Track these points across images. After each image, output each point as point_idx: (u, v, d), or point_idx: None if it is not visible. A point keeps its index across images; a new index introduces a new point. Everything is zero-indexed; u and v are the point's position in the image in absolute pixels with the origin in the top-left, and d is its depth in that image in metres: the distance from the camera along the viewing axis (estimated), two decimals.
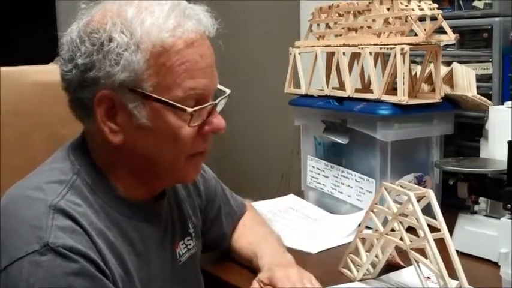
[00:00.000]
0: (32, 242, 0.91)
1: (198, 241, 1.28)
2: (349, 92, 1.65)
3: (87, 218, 0.98)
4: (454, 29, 1.54)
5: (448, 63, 1.69)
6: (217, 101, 1.06)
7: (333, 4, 1.78)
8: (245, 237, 1.39)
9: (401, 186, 1.21)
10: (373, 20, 1.64)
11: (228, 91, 1.10)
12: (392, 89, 1.63)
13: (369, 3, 1.65)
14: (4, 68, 1.54)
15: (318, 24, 1.84)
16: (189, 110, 1.00)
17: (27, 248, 0.91)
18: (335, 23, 1.77)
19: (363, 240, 1.29)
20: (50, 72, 1.59)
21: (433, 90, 1.62)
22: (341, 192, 1.73)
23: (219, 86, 1.09)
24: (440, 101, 1.60)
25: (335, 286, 1.25)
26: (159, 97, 0.99)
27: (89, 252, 0.94)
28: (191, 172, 1.10)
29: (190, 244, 1.23)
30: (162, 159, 1.04)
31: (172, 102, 0.99)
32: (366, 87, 1.76)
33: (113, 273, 0.98)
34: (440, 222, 1.12)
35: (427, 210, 1.15)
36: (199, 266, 1.28)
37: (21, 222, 0.95)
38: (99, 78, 0.99)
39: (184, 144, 1.03)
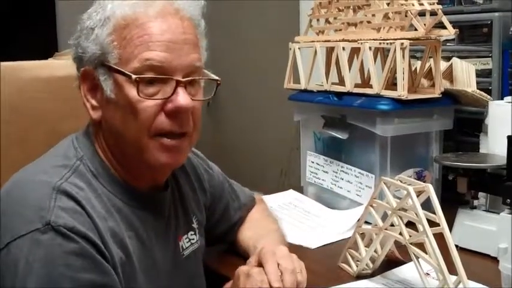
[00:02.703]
0: (34, 221, 0.93)
1: (202, 237, 1.29)
2: (348, 87, 1.65)
3: (89, 201, 1.00)
4: (454, 24, 1.54)
5: (448, 58, 1.69)
6: (183, 79, 1.04)
7: None
8: (251, 229, 1.40)
9: (400, 181, 1.21)
10: (373, 15, 1.64)
11: (215, 77, 1.11)
12: (392, 84, 1.63)
13: None
14: (3, 63, 1.53)
15: (318, 20, 1.84)
16: (133, 76, 1.01)
17: (29, 226, 0.93)
18: (335, 18, 1.77)
19: (362, 235, 1.30)
20: (49, 67, 1.60)
21: (433, 85, 1.62)
22: (340, 188, 1.73)
23: (210, 75, 1.11)
24: (440, 96, 1.60)
25: (335, 286, 1.25)
26: (116, 67, 1.03)
27: (90, 234, 0.95)
28: (158, 154, 1.05)
29: (193, 239, 1.24)
30: (127, 134, 1.05)
31: (121, 69, 1.02)
32: (366, 82, 1.76)
33: (113, 255, 0.99)
34: (440, 216, 1.12)
35: (427, 205, 1.15)
36: (201, 261, 1.28)
37: (25, 203, 0.97)
38: (82, 56, 1.05)
39: (145, 119, 1.03)
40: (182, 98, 1.03)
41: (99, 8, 1.06)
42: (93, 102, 1.07)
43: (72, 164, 1.04)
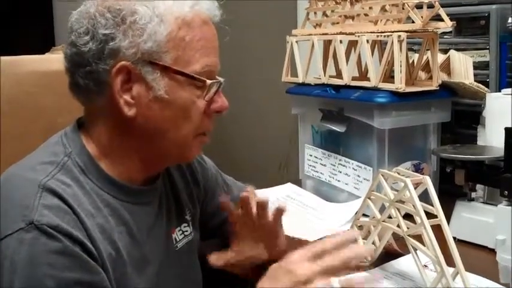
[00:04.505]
0: (19, 220, 0.93)
1: (196, 229, 1.29)
2: (346, 80, 1.65)
3: (76, 198, 0.99)
4: (451, 17, 1.53)
5: (445, 51, 1.69)
6: (222, 80, 1.09)
7: None
8: None
9: (398, 173, 1.22)
10: (370, 8, 1.64)
11: (222, 80, 1.12)
12: (389, 76, 1.63)
13: None
14: (1, 58, 1.53)
15: (315, 13, 1.84)
16: (208, 81, 1.05)
17: (14, 225, 0.93)
18: (332, 11, 1.77)
19: (360, 227, 1.30)
20: (46, 62, 1.60)
21: (430, 77, 1.62)
22: (338, 181, 1.73)
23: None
24: (438, 88, 1.60)
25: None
26: (180, 69, 1.03)
27: (75, 232, 0.95)
28: (195, 151, 1.13)
29: (187, 231, 1.24)
30: (173, 133, 1.06)
31: (193, 75, 1.04)
32: (363, 75, 1.76)
33: (101, 252, 0.99)
34: (437, 208, 1.12)
35: (425, 198, 1.15)
36: (196, 253, 1.28)
37: (11, 201, 0.97)
38: (120, 49, 1.01)
39: (195, 120, 1.07)
40: (223, 99, 1.10)
41: (144, 2, 1.02)
42: (128, 98, 1.03)
43: (59, 160, 1.03)
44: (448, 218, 1.32)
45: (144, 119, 1.05)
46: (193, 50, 1.04)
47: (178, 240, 1.21)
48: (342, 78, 1.67)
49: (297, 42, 1.81)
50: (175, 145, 1.08)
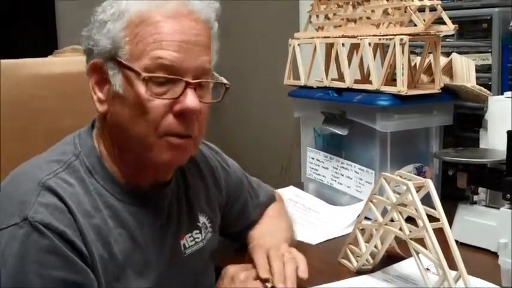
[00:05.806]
0: (15, 215, 0.95)
1: (215, 235, 1.27)
2: (348, 83, 1.65)
3: (75, 197, 1.00)
4: (453, 20, 1.53)
5: (448, 54, 1.69)
6: (193, 81, 1.03)
7: None
8: (260, 226, 1.39)
9: (400, 177, 1.21)
10: (372, 11, 1.64)
11: (225, 81, 1.10)
12: (391, 79, 1.63)
13: None
14: (3, 61, 1.53)
15: (317, 16, 1.84)
16: (143, 74, 1.01)
17: (9, 220, 0.95)
18: (334, 14, 1.77)
19: (362, 231, 1.30)
20: (49, 65, 1.59)
21: (433, 81, 1.62)
22: (341, 184, 1.73)
23: (221, 78, 1.10)
24: (440, 91, 1.60)
25: (336, 282, 1.25)
26: (127, 64, 1.02)
27: (67, 231, 0.96)
28: (164, 153, 1.04)
29: (198, 238, 1.22)
30: (133, 131, 1.03)
31: (131, 66, 1.02)
32: (365, 78, 1.76)
33: (92, 253, 1.00)
34: (439, 211, 1.12)
35: (427, 201, 1.15)
36: (208, 259, 1.26)
37: (12, 197, 0.99)
38: (92, 48, 1.06)
39: (153, 118, 1.02)
40: (190, 99, 1.02)
41: (113, 2, 1.05)
42: (100, 95, 1.06)
43: (66, 159, 1.05)
44: (450, 221, 1.32)
45: (111, 116, 1.06)
46: (145, 44, 1.01)
47: (187, 246, 1.19)
48: (344, 81, 1.67)
49: (299, 45, 1.82)
50: (138, 144, 1.04)
